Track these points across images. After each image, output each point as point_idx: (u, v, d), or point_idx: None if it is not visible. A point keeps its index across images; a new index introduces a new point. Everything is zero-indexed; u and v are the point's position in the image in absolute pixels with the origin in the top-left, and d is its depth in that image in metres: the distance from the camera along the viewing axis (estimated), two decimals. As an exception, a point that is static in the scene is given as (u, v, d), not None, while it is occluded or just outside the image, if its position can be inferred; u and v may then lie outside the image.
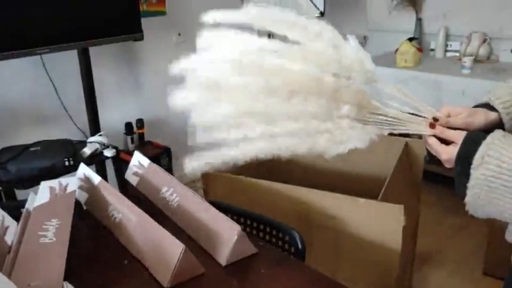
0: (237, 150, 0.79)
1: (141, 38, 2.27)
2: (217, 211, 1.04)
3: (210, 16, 0.82)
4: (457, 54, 3.02)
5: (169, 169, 2.55)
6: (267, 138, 0.79)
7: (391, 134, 0.83)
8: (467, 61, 2.64)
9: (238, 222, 1.18)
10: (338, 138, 0.78)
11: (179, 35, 2.74)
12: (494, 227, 1.99)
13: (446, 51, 3.10)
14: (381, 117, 0.81)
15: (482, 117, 0.82)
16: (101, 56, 2.41)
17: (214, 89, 0.78)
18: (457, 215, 2.53)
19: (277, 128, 0.78)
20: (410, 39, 2.96)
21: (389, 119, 0.81)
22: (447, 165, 0.79)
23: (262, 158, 0.80)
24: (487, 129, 0.79)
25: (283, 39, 0.79)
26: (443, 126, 0.80)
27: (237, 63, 0.77)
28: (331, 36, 0.79)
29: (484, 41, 2.90)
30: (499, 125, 0.82)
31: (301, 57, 0.77)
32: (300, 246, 1.11)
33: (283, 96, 0.76)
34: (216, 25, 0.81)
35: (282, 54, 0.77)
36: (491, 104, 0.84)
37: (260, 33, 0.80)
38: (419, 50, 2.90)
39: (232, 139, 0.79)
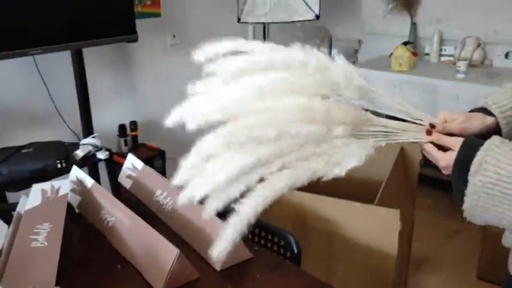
0: (248, 205, 0.77)
1: (136, 40, 2.26)
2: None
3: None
4: (452, 58, 3.03)
5: (163, 172, 2.53)
6: (268, 181, 0.77)
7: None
8: (462, 65, 2.65)
9: (233, 226, 1.16)
10: (334, 159, 0.77)
11: (174, 36, 2.72)
12: (489, 231, 1.99)
13: (440, 55, 3.11)
14: (376, 128, 0.80)
15: (479, 122, 0.82)
16: (95, 57, 2.39)
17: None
18: (452, 219, 2.54)
19: (274, 165, 0.77)
20: (405, 44, 2.97)
21: (385, 130, 0.80)
22: (445, 172, 0.78)
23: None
24: (483, 134, 0.79)
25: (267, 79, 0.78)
26: (440, 133, 0.80)
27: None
28: (315, 62, 0.78)
29: (478, 45, 2.91)
30: (495, 129, 0.82)
31: (287, 90, 0.76)
32: (295, 250, 1.10)
33: (272, 139, 0.74)
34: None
35: (266, 92, 0.76)
36: (488, 109, 0.83)
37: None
38: (414, 54, 2.91)
39: (235, 194, 0.78)
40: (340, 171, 0.77)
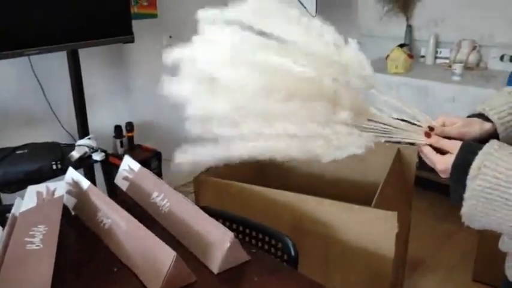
0: (230, 148, 0.78)
1: (132, 41, 2.25)
2: (209, 217, 1.02)
3: (207, 13, 0.80)
4: (447, 61, 3.04)
5: (159, 173, 2.52)
6: (262, 138, 0.77)
7: (386, 141, 0.82)
8: (458, 68, 2.66)
9: (230, 228, 1.16)
10: (335, 143, 0.77)
11: (170, 37, 2.72)
12: (485, 234, 2.00)
13: (436, 58, 3.12)
14: (377, 124, 0.80)
15: (477, 128, 0.82)
16: (91, 57, 2.38)
17: (210, 82, 0.76)
18: (448, 222, 2.54)
19: (273, 128, 0.76)
20: (401, 46, 2.97)
21: (386, 127, 0.80)
22: (442, 176, 0.78)
23: (255, 158, 0.79)
24: (482, 140, 0.79)
25: (283, 36, 0.78)
26: (439, 136, 0.80)
27: (235, 57, 0.75)
28: (332, 37, 0.78)
29: (474, 48, 2.93)
30: (493, 135, 0.82)
31: (302, 56, 0.76)
32: (293, 253, 1.09)
33: (281, 97, 0.74)
34: (213, 23, 0.79)
35: (282, 52, 0.76)
36: (486, 115, 0.83)
37: (259, 31, 0.78)
38: (410, 56, 2.92)
39: (225, 136, 0.78)
40: (340, 155, 0.78)
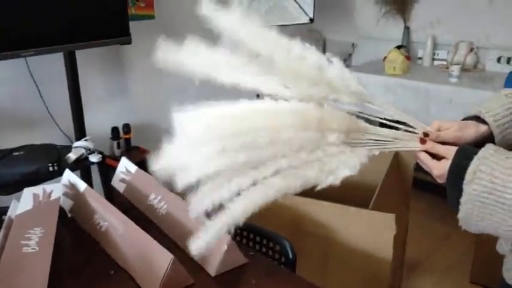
0: (237, 207, 0.76)
1: (129, 42, 2.24)
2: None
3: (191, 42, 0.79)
4: (445, 62, 3.05)
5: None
6: (260, 185, 0.76)
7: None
8: (455, 70, 2.66)
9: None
10: (327, 167, 0.77)
11: (167, 39, 2.71)
12: (481, 235, 1.99)
13: (433, 59, 3.12)
14: (370, 137, 0.80)
15: (473, 131, 0.82)
16: (88, 59, 2.37)
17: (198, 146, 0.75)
18: (445, 223, 2.54)
19: (267, 170, 0.75)
20: (399, 47, 2.98)
21: (379, 138, 0.80)
22: (439, 181, 0.78)
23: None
24: (477, 143, 0.78)
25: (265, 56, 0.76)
26: (434, 141, 0.79)
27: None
28: (315, 58, 0.77)
29: (471, 50, 2.93)
30: (489, 138, 0.81)
31: (285, 79, 0.75)
32: (290, 255, 1.09)
33: (267, 140, 0.73)
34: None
35: (267, 72, 0.75)
36: (482, 117, 0.83)
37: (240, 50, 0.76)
38: (408, 58, 2.92)
39: (225, 196, 0.76)
40: (334, 180, 0.77)
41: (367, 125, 0.80)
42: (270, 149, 0.74)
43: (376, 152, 0.79)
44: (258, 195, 0.76)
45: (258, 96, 0.76)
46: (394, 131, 0.80)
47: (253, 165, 0.75)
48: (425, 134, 0.80)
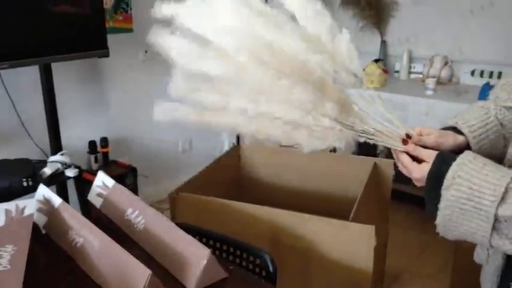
0: (211, 116, 0.77)
1: (107, 55, 2.22)
2: (185, 234, 1.00)
3: None
4: (421, 76, 3.11)
5: (134, 189, 2.48)
6: (246, 114, 0.76)
7: (361, 152, 0.83)
8: (431, 83, 2.72)
9: (207, 245, 1.14)
10: (316, 135, 0.77)
11: (146, 52, 2.70)
12: (460, 246, 2.02)
13: (410, 72, 3.19)
14: (358, 123, 0.81)
15: (451, 139, 0.83)
16: (64, 71, 2.34)
17: (202, 45, 0.75)
18: (424, 233, 2.57)
19: (260, 107, 0.76)
20: (376, 61, 3.03)
21: (366, 128, 0.81)
22: (418, 184, 0.79)
23: (235, 131, 0.78)
24: (456, 152, 0.80)
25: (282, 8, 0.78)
26: (416, 145, 0.80)
27: (233, 22, 0.74)
28: (328, 22, 0.78)
29: (446, 63, 3.00)
30: (466, 148, 0.83)
31: (297, 35, 0.76)
32: (271, 269, 1.08)
33: (272, 73, 0.74)
34: None
35: (278, 27, 0.75)
36: (459, 128, 0.84)
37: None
38: (385, 71, 2.97)
39: (210, 101, 0.77)
40: (320, 145, 0.78)
41: (358, 110, 0.82)
42: (273, 84, 0.74)
43: (361, 139, 0.81)
44: (243, 120, 0.77)
45: None
46: (380, 125, 0.82)
47: (252, 90, 0.75)
48: (408, 136, 0.81)
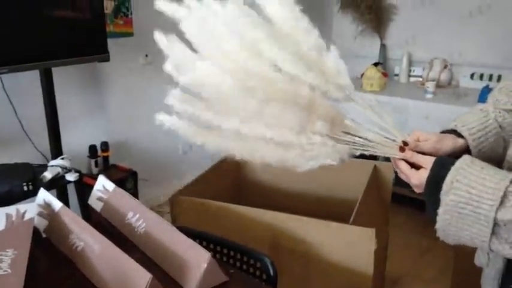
0: (209, 136, 0.77)
1: (107, 59, 2.22)
2: (185, 237, 1.00)
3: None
4: (420, 79, 3.12)
5: (135, 193, 2.48)
6: (240, 137, 0.77)
7: (361, 155, 0.83)
8: (430, 86, 2.73)
9: (207, 248, 1.14)
10: (308, 154, 0.77)
11: (146, 56, 2.70)
12: (461, 249, 2.01)
13: (409, 76, 3.19)
14: (352, 137, 0.81)
15: (451, 143, 0.83)
16: (65, 76, 2.34)
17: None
18: (424, 236, 2.56)
19: (251, 129, 0.76)
20: (376, 64, 3.04)
21: (361, 140, 0.81)
22: (417, 190, 0.79)
23: (232, 156, 0.79)
24: (455, 155, 0.80)
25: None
26: (413, 151, 0.80)
27: (225, 32, 0.75)
28: (315, 40, 0.78)
29: (445, 66, 3.01)
30: (466, 151, 0.83)
31: (285, 53, 0.76)
32: (271, 272, 1.08)
33: (260, 98, 0.74)
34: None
35: (266, 38, 0.76)
36: (458, 131, 0.85)
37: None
38: (385, 74, 2.98)
39: (204, 119, 0.78)
40: (314, 165, 0.78)
41: (351, 123, 0.81)
42: (261, 108, 0.74)
43: (357, 153, 0.80)
44: (237, 143, 0.78)
45: None
46: (375, 135, 0.81)
47: (241, 116, 0.76)
48: (405, 143, 0.81)
